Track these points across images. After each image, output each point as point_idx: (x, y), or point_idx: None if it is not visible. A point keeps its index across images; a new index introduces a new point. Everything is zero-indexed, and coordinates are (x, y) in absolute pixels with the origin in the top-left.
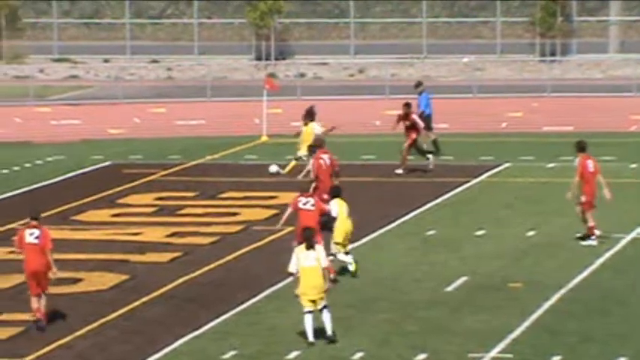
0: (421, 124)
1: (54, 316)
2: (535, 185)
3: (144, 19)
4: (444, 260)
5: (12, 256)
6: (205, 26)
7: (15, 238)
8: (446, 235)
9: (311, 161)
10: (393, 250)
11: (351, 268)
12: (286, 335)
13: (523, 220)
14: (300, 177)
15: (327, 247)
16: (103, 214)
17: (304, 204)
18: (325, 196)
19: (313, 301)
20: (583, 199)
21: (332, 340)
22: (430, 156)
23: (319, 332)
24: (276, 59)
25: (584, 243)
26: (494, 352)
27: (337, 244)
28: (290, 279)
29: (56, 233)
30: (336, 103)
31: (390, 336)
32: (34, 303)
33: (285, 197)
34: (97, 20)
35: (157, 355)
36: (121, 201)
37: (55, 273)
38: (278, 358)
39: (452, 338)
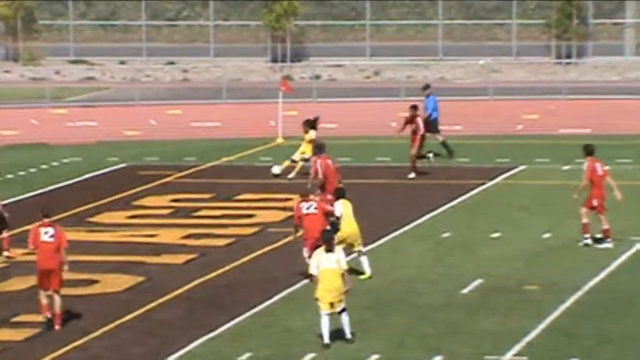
0: (422, 128)
1: (70, 317)
2: (551, 187)
3: (160, 21)
4: (460, 262)
5: (28, 258)
6: (221, 28)
7: (29, 235)
8: (461, 238)
9: (319, 162)
10: (409, 252)
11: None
12: (301, 337)
13: (539, 223)
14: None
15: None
16: (119, 216)
17: (307, 208)
18: (329, 197)
19: (331, 304)
20: (595, 203)
21: (349, 342)
22: (430, 155)
23: (336, 334)
24: (292, 61)
25: (599, 246)
26: (509, 355)
27: (344, 242)
28: (305, 281)
29: (72, 235)
30: (352, 105)
31: (406, 338)
32: (43, 299)
33: None
34: (113, 22)
35: (172, 357)
36: (136, 203)
37: (65, 271)
38: None
39: (467, 340)
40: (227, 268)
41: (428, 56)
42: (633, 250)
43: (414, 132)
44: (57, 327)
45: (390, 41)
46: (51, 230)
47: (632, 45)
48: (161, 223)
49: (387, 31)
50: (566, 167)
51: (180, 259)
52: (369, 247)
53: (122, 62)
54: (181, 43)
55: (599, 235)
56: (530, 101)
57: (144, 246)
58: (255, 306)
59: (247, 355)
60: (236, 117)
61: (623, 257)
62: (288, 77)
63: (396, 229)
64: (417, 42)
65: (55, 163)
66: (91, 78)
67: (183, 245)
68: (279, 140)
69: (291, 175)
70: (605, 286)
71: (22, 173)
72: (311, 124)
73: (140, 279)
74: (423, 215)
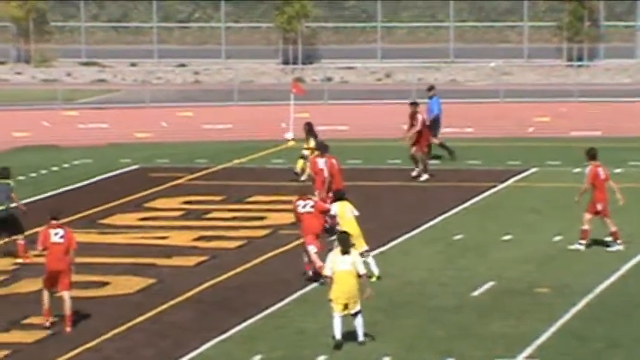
0: (419, 125)
1: (81, 319)
2: (562, 190)
3: (171, 22)
4: (471, 265)
5: (38, 260)
6: (233, 30)
7: (39, 237)
8: (473, 240)
9: (323, 161)
10: (420, 254)
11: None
12: (314, 339)
13: (550, 225)
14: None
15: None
16: (131, 218)
17: (303, 207)
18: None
19: (346, 306)
20: (599, 207)
21: (361, 344)
22: (418, 169)
23: (348, 336)
24: (304, 63)
25: (610, 249)
26: (520, 357)
27: None
28: (315, 284)
29: (83, 237)
30: (363, 107)
31: (417, 340)
32: (46, 303)
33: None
34: (124, 24)
35: (183, 359)
36: (148, 205)
37: (72, 272)
38: None
39: (478, 343)
40: (238, 270)
41: (439, 58)
42: None
43: (419, 131)
44: (68, 329)
45: (401, 43)
46: (61, 231)
47: None
48: (172, 225)
49: (398, 34)
50: (577, 170)
51: (191, 261)
52: (380, 249)
53: (133, 64)
54: (193, 45)
55: (608, 239)
56: (542, 104)
57: (155, 248)
58: (266, 308)
59: (259, 357)
60: (247, 119)
61: (634, 260)
62: (299, 79)
63: (407, 232)
64: (428, 44)
65: (66, 165)
66: (102, 80)
67: (195, 247)
68: (291, 142)
69: (303, 177)
70: (615, 290)
71: (33, 175)
72: (311, 133)
73: (151, 281)
74: (435, 218)
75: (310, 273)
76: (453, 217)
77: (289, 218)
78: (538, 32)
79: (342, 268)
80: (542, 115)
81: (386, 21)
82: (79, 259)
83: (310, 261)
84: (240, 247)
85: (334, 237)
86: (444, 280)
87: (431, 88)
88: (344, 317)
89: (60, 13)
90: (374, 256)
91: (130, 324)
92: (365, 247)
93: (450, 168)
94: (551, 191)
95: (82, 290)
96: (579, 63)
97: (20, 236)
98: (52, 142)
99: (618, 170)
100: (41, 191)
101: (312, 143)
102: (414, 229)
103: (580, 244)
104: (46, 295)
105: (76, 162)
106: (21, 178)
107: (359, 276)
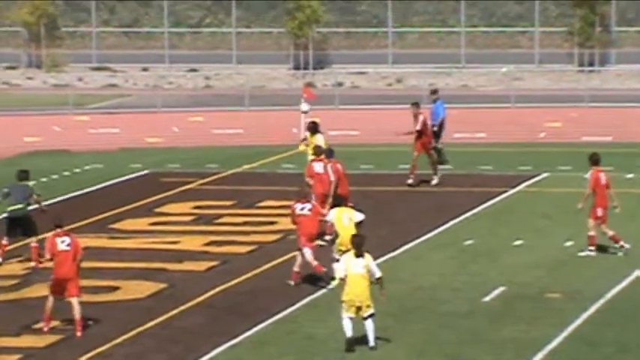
0: (419, 126)
1: (91, 324)
2: (573, 195)
3: (182, 28)
4: (482, 270)
5: (50, 264)
6: (244, 35)
7: (45, 245)
8: (484, 245)
9: (329, 166)
10: (431, 259)
11: (333, 283)
12: (324, 344)
13: (561, 230)
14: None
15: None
16: (141, 223)
17: (301, 209)
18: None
19: (359, 309)
20: (599, 212)
21: (372, 349)
22: (410, 180)
23: (360, 341)
24: (314, 68)
25: (619, 253)
26: None
27: (339, 250)
28: (324, 290)
29: (94, 241)
30: (374, 112)
31: (428, 345)
32: (49, 309)
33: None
34: (135, 29)
35: None
36: (158, 209)
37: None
38: None
39: (489, 348)
40: (249, 275)
41: (450, 64)
42: None
43: (419, 131)
44: (78, 333)
45: (412, 48)
46: (67, 239)
47: None
48: (183, 230)
49: (409, 39)
50: (588, 175)
51: (202, 266)
52: (391, 254)
53: (144, 69)
54: (204, 50)
55: (616, 245)
56: (553, 109)
57: (166, 253)
58: (277, 313)
59: None
60: (258, 124)
61: None
62: (310, 84)
63: (418, 237)
64: (439, 49)
65: (77, 170)
66: (113, 85)
67: (205, 252)
68: (301, 147)
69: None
70: (626, 295)
71: (44, 180)
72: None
73: (162, 286)
74: (446, 223)
75: (293, 283)
76: (464, 222)
77: None
78: (549, 38)
79: (355, 272)
80: (553, 121)
81: (397, 26)
82: (89, 264)
83: (303, 264)
84: (250, 252)
85: (322, 242)
86: (454, 286)
87: (434, 91)
88: (353, 319)
89: (71, 18)
90: (385, 261)
91: (140, 329)
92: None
93: (462, 173)
94: (562, 196)
95: (92, 295)
96: (590, 68)
97: (34, 238)
98: (63, 147)
99: (629, 175)
100: (52, 196)
101: (320, 140)
102: (425, 234)
103: (590, 250)
104: (50, 300)
105: (87, 167)
106: (32, 182)
107: (377, 279)
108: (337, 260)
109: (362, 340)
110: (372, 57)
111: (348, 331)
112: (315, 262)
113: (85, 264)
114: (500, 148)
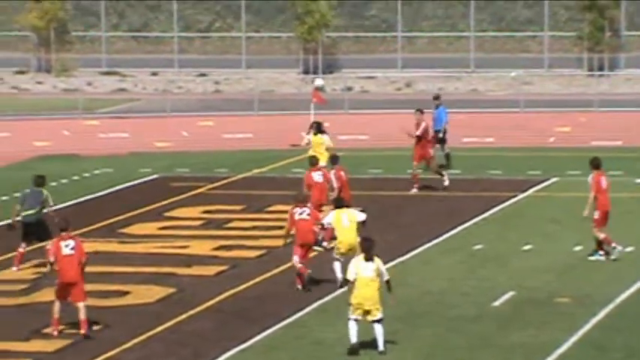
0: (421, 132)
1: (101, 328)
2: (582, 200)
3: (192, 32)
4: (491, 275)
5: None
6: (253, 40)
7: (49, 249)
8: (493, 250)
9: (332, 172)
10: (440, 264)
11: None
12: (333, 349)
13: (570, 235)
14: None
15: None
16: (151, 227)
17: (300, 214)
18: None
19: (367, 312)
20: (596, 215)
21: (381, 353)
22: (414, 189)
23: (369, 345)
24: (324, 73)
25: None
26: None
27: (339, 253)
28: (338, 292)
29: (103, 246)
30: (383, 116)
31: (436, 350)
32: (56, 313)
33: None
34: (145, 34)
35: None
36: (168, 214)
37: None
38: None
39: (498, 353)
40: (258, 279)
41: (459, 68)
42: None
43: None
44: (82, 331)
45: (421, 53)
46: (71, 243)
47: None
48: (192, 234)
49: (418, 43)
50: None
51: (211, 270)
52: (400, 259)
53: (154, 74)
54: (213, 55)
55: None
56: (562, 113)
57: (175, 257)
58: (286, 317)
59: None
60: (268, 128)
61: None
62: (320, 89)
63: (427, 242)
64: (448, 54)
65: (86, 175)
66: (122, 89)
67: (215, 257)
68: (311, 152)
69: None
70: (636, 300)
71: (53, 184)
72: (322, 131)
73: (171, 290)
74: (455, 227)
75: (300, 287)
76: (473, 227)
77: None
78: (558, 42)
79: (365, 275)
80: (562, 125)
81: (406, 31)
82: (99, 269)
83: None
84: (260, 256)
85: (319, 248)
86: (464, 290)
87: (437, 97)
88: (360, 323)
89: (80, 22)
90: (394, 266)
91: (149, 333)
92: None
93: (471, 178)
94: (571, 201)
95: (102, 299)
96: (600, 73)
97: (49, 242)
98: (73, 152)
99: (639, 180)
100: (62, 200)
101: (326, 140)
102: (434, 238)
103: (599, 254)
104: (57, 305)
105: (96, 171)
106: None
107: (386, 282)
108: (337, 260)
109: (371, 344)
110: (382, 61)
111: (353, 337)
112: (299, 265)
113: (94, 268)
114: (509, 153)
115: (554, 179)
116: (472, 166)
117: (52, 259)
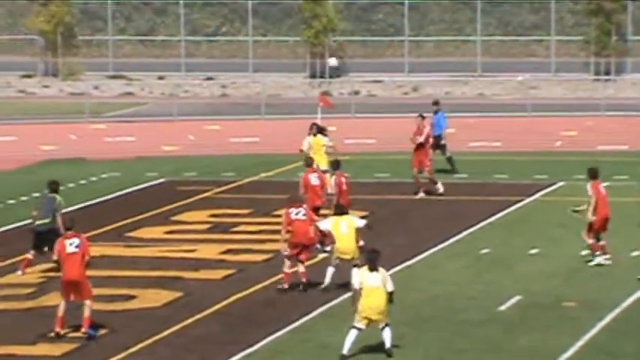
0: (423, 138)
1: (107, 332)
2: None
3: (199, 36)
4: (498, 279)
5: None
6: (260, 44)
7: (54, 247)
8: (499, 254)
9: (333, 177)
10: (447, 268)
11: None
12: (338, 353)
13: (577, 239)
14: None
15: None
16: (158, 231)
17: (296, 214)
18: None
19: (371, 320)
20: (591, 219)
21: (389, 355)
22: (421, 193)
23: (375, 348)
24: (331, 77)
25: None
26: None
27: (338, 258)
28: (344, 296)
29: (110, 250)
30: (390, 120)
31: (443, 354)
32: (60, 312)
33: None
34: (152, 37)
35: None
36: (175, 218)
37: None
38: None
39: (505, 357)
40: (265, 283)
41: (466, 72)
42: None
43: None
44: (83, 330)
45: (428, 57)
46: (76, 241)
47: None
48: (199, 238)
49: (425, 47)
50: (604, 184)
51: (218, 274)
52: (407, 263)
53: (161, 77)
54: (220, 59)
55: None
56: (569, 118)
57: (182, 261)
58: (293, 322)
59: None
60: (274, 132)
61: None
62: (326, 93)
63: (434, 246)
64: (455, 58)
65: (93, 178)
66: (129, 93)
67: (222, 261)
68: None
69: (330, 190)
70: None
71: (60, 188)
72: (322, 132)
73: (178, 294)
74: (461, 231)
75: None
76: (480, 231)
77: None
78: (565, 47)
79: (373, 284)
80: (569, 129)
81: (413, 35)
82: (106, 272)
83: (305, 270)
84: (267, 260)
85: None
86: (470, 294)
87: (436, 102)
88: (362, 332)
89: (87, 26)
90: (400, 270)
91: (156, 337)
92: (357, 262)
93: (477, 182)
94: (578, 205)
95: (108, 303)
96: (606, 77)
97: None
98: (80, 155)
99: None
100: (69, 204)
101: (326, 142)
102: (440, 242)
103: (605, 259)
104: (62, 304)
105: (103, 175)
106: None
107: (389, 293)
108: (332, 266)
109: (377, 347)
110: (389, 65)
111: (346, 347)
112: (286, 270)
113: (101, 272)
114: (516, 157)
115: (560, 183)
116: (478, 170)
117: (55, 257)
